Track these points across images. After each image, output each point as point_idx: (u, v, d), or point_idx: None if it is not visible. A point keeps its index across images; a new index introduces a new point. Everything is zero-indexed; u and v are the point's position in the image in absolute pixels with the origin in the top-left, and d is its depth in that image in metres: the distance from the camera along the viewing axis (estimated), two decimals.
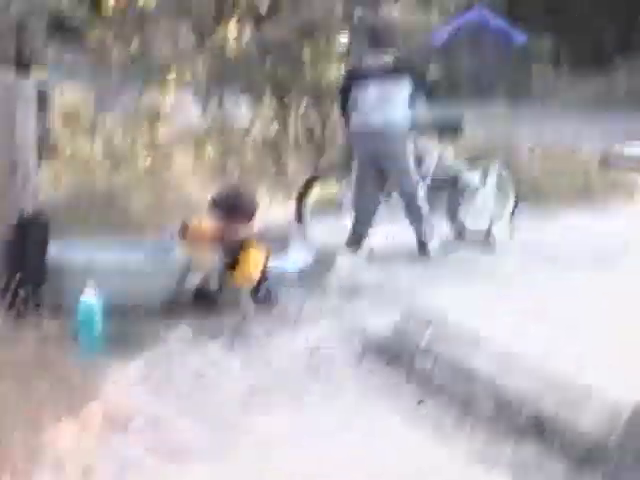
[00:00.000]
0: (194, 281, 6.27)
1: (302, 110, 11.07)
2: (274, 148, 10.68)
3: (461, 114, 8.73)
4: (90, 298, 5.48)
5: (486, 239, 8.47)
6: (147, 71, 11.28)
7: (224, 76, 11.53)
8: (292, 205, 8.53)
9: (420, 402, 4.94)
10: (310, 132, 10.93)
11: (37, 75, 10.94)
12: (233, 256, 6.28)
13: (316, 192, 8.49)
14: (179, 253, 6.44)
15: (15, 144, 5.98)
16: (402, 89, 7.99)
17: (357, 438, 4.49)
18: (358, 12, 11.10)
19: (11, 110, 5.96)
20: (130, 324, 5.73)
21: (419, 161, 8.28)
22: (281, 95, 11.23)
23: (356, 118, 8.05)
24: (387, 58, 8.03)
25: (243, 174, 10.06)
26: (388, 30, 8.39)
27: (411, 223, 8.12)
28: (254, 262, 6.29)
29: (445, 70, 14.23)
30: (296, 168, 10.21)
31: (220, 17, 11.56)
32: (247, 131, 11.16)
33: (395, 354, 5.53)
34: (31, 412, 4.28)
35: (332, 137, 10.83)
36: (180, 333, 5.78)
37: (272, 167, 10.40)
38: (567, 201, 9.89)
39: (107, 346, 5.44)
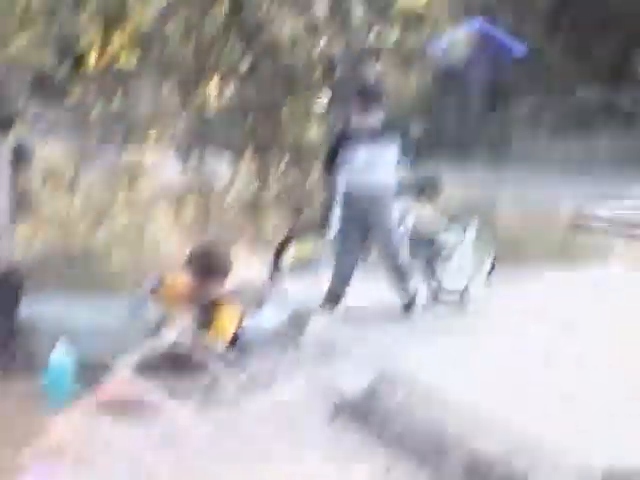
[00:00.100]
0: (167, 338, 6.23)
1: (282, 169, 11.09)
2: (253, 206, 10.69)
3: (439, 173, 8.76)
4: (61, 355, 5.44)
5: (463, 298, 8.48)
6: (128, 128, 11.30)
7: (205, 134, 11.56)
8: (269, 263, 8.52)
9: (388, 469, 4.90)
10: (289, 191, 10.94)
11: (18, 132, 10.97)
12: (207, 314, 6.25)
13: (292, 251, 8.49)
14: (153, 310, 6.41)
15: None
16: (391, 152, 8.10)
17: None
18: (338, 72, 11.15)
19: None
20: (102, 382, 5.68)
21: (398, 220, 8.32)
22: (261, 153, 11.26)
23: (345, 179, 8.08)
24: (376, 120, 8.08)
25: (222, 232, 10.05)
26: (375, 91, 8.46)
27: (393, 282, 8.14)
28: (228, 320, 6.26)
29: (429, 124, 14.37)
30: (275, 226, 10.20)
31: (201, 75, 11.61)
32: (227, 189, 11.16)
33: (367, 415, 5.49)
34: None
35: (311, 196, 10.84)
36: (151, 392, 5.73)
37: (251, 225, 10.39)
38: (543, 261, 9.91)
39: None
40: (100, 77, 11.36)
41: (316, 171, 10.95)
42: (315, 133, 11.34)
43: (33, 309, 6.15)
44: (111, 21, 11.86)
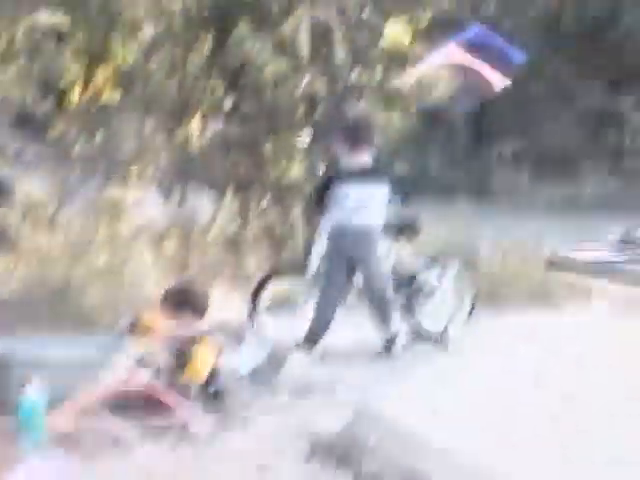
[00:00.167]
0: (143, 377, 6.18)
1: (263, 206, 11.09)
2: (234, 243, 10.67)
3: (417, 213, 8.76)
4: (34, 394, 5.40)
5: (442, 338, 8.46)
6: (110, 164, 11.29)
7: (187, 171, 11.55)
8: (247, 301, 8.50)
9: None
10: (270, 229, 10.93)
11: None
12: (183, 352, 6.23)
13: (271, 289, 8.47)
14: (129, 348, 6.37)
15: None
16: (381, 191, 8.14)
17: None
18: (321, 110, 11.17)
19: None
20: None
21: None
22: (243, 191, 11.26)
23: (335, 217, 8.07)
24: (367, 158, 8.12)
25: (202, 269, 10.03)
26: (365, 129, 8.48)
27: (376, 321, 8.13)
28: (205, 358, 6.25)
29: (412, 163, 14.45)
30: (255, 264, 10.18)
31: (184, 113, 11.62)
32: (208, 226, 11.14)
33: (343, 455, 5.46)
34: None
35: (291, 234, 10.84)
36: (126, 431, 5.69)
37: (231, 262, 10.36)
38: (524, 301, 9.92)
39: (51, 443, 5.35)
40: (83, 113, 11.33)
41: (297, 209, 10.96)
42: (297, 171, 11.34)
43: (7, 345, 6.09)
44: (94, 57, 11.88)
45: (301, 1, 11.17)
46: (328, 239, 8.17)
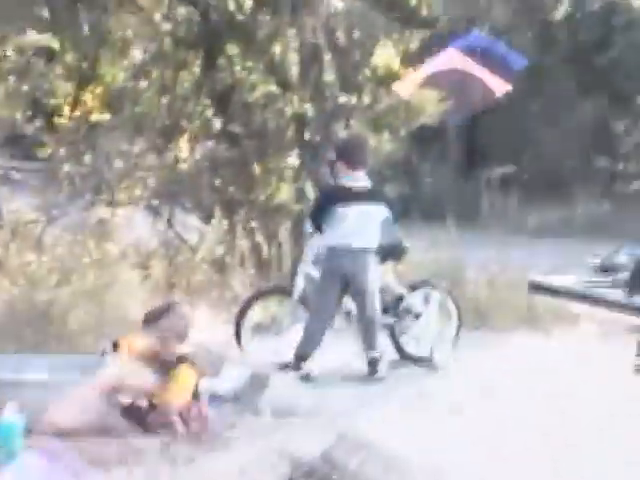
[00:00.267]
0: (124, 399, 6.17)
1: (251, 227, 11.08)
2: (221, 265, 10.65)
3: (402, 237, 8.73)
4: (10, 417, 5.35)
5: (428, 362, 8.43)
6: (98, 185, 11.28)
7: (175, 192, 11.55)
8: (232, 323, 8.47)
9: None
10: (257, 250, 10.92)
11: None
12: (165, 374, 6.20)
13: (256, 311, 8.45)
14: (111, 370, 6.33)
15: None
16: (379, 214, 8.14)
17: None
18: (310, 131, 11.17)
19: None
20: None
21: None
22: (231, 212, 11.25)
23: (333, 237, 8.04)
24: (364, 178, 8.12)
25: (187, 292, 10.00)
26: (362, 149, 8.48)
27: (363, 345, 8.10)
28: (186, 381, 6.22)
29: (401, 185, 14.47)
30: (242, 285, 10.16)
31: (173, 133, 11.63)
32: (196, 247, 11.13)
33: (324, 478, 5.42)
34: None
35: (279, 256, 10.83)
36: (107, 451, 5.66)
37: (218, 284, 10.34)
38: (511, 326, 9.90)
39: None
40: (72, 132, 11.32)
41: (285, 230, 10.95)
42: (286, 192, 11.34)
43: None
44: (84, 77, 11.89)
45: (290, 23, 11.18)
46: (324, 259, 8.13)
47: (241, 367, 7.18)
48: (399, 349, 8.57)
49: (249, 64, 11.46)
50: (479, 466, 5.68)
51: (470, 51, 9.11)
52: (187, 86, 11.83)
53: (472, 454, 5.94)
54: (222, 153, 11.49)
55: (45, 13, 11.51)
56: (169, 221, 11.47)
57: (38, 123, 11.50)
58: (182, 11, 11.58)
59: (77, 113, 11.30)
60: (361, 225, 8.02)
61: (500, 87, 9.04)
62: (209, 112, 11.59)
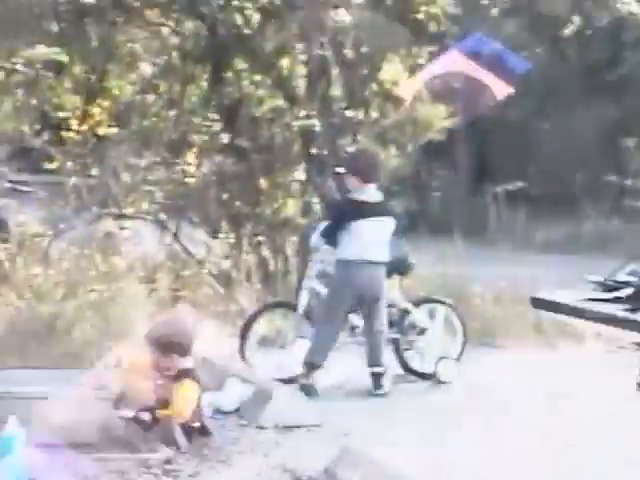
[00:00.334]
0: (128, 414, 6.15)
1: (257, 242, 11.08)
2: (227, 279, 10.65)
3: (406, 250, 8.72)
4: (11, 432, 5.34)
5: (431, 378, 8.41)
6: (105, 198, 11.31)
7: (182, 205, 11.56)
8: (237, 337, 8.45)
9: None
10: (263, 264, 10.92)
11: None
12: (168, 389, 6.19)
13: (261, 325, 8.44)
14: (114, 385, 6.34)
15: None
16: (389, 227, 8.15)
17: None
18: (316, 146, 11.18)
19: None
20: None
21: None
22: (237, 226, 11.26)
23: (348, 251, 8.02)
24: (377, 192, 8.12)
25: (193, 306, 9.98)
26: (375, 162, 8.51)
27: (369, 357, 8.08)
28: (189, 395, 6.19)
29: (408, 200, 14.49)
30: (248, 299, 10.15)
31: (180, 147, 11.64)
32: (201, 263, 11.13)
33: None
34: None
35: (285, 270, 10.83)
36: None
37: (224, 298, 10.33)
38: (517, 342, 9.87)
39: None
40: (79, 145, 11.35)
41: (292, 244, 10.96)
42: (292, 207, 11.35)
43: None
44: (92, 90, 11.93)
45: (298, 37, 11.20)
46: (337, 272, 8.12)
47: (245, 381, 7.16)
48: (403, 364, 8.54)
49: (257, 78, 11.46)
50: None
51: (471, 53, 9.06)
52: (194, 100, 11.84)
53: (476, 470, 5.90)
54: (229, 167, 11.49)
55: (54, 27, 11.56)
56: (176, 235, 11.46)
57: (46, 136, 11.55)
58: (190, 25, 11.58)
59: (85, 126, 11.32)
60: (375, 238, 8.04)
61: (501, 90, 9.00)
62: (216, 126, 11.58)
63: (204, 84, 11.84)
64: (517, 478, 5.86)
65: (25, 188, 11.76)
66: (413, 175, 15.08)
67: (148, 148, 11.72)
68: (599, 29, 23.97)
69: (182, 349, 6.30)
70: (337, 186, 10.60)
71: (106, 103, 11.66)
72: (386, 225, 8.17)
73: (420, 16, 12.00)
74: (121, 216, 11.33)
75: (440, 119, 11.49)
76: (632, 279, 4.81)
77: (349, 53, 11.53)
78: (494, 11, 23.49)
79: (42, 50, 11.24)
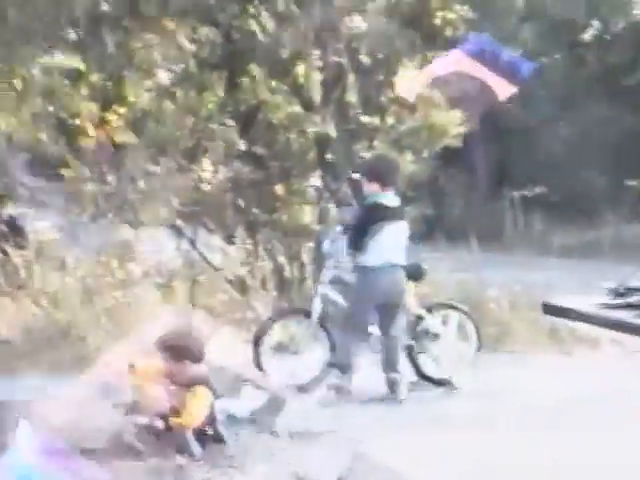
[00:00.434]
0: (141, 421, 6.16)
1: (272, 250, 11.08)
2: (243, 285, 10.65)
3: (421, 259, 8.71)
4: (24, 437, 5.36)
5: (446, 384, 8.38)
6: (121, 205, 11.33)
7: (198, 212, 11.57)
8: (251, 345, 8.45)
9: None
10: (279, 271, 10.92)
11: (13, 207, 11.03)
12: (181, 396, 6.20)
13: (276, 332, 8.43)
14: (126, 393, 6.35)
15: None
16: (406, 232, 8.22)
17: None
18: (330, 154, 11.17)
19: None
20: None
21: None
22: (253, 233, 11.26)
23: (373, 255, 8.03)
24: (396, 198, 8.18)
25: (209, 313, 9.99)
26: (394, 169, 8.53)
27: (387, 364, 8.07)
28: (202, 402, 6.21)
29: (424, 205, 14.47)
30: (263, 306, 10.14)
31: (196, 154, 11.65)
32: (217, 269, 11.13)
33: None
34: None
35: (301, 276, 10.83)
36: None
37: (239, 306, 10.32)
38: (532, 348, 9.83)
39: None
40: (96, 153, 11.37)
41: (307, 251, 10.95)
42: (308, 213, 11.34)
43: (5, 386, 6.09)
44: (108, 98, 11.95)
45: (313, 44, 11.20)
46: (360, 278, 8.12)
47: (258, 388, 7.16)
48: (417, 370, 8.52)
49: (273, 85, 11.46)
50: None
51: (475, 53, 9.00)
52: (211, 107, 11.84)
53: (491, 476, 5.88)
54: (245, 174, 11.49)
55: (71, 34, 11.59)
56: (192, 241, 11.47)
57: (63, 144, 11.57)
58: (205, 32, 11.59)
59: (101, 134, 11.34)
60: (396, 243, 8.11)
61: (505, 90, 8.95)
62: (232, 133, 11.58)
63: (220, 91, 11.83)
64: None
65: (42, 195, 11.81)
66: (430, 181, 15.01)
67: (164, 155, 11.72)
68: (617, 35, 23.87)
69: (194, 356, 6.31)
70: (353, 192, 10.60)
71: (123, 110, 11.66)
72: (404, 229, 8.22)
73: (436, 21, 11.98)
74: (137, 223, 11.33)
75: (455, 125, 11.45)
76: None
77: (365, 59, 11.51)
78: (512, 16, 23.41)
79: (59, 57, 11.28)
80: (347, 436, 6.71)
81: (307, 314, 8.34)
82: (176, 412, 6.17)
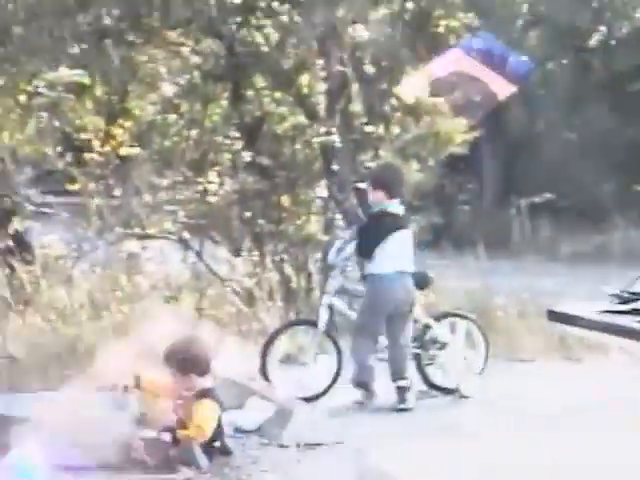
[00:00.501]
0: (147, 434, 6.16)
1: (279, 261, 11.07)
2: (250, 297, 10.64)
3: (426, 267, 8.69)
4: (27, 452, 5.36)
5: (454, 393, 8.35)
6: (127, 219, 11.34)
7: (204, 224, 11.57)
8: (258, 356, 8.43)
9: None
10: (286, 281, 10.91)
11: (19, 223, 11.02)
12: (188, 409, 6.19)
13: (283, 343, 8.41)
14: (133, 406, 6.34)
15: None
16: (411, 240, 8.21)
17: None
18: (336, 162, 11.16)
19: None
20: None
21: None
22: (260, 244, 11.26)
23: (384, 263, 8.02)
24: (401, 207, 8.18)
25: (217, 325, 9.98)
26: (400, 179, 8.53)
27: (395, 373, 8.05)
28: (208, 415, 6.19)
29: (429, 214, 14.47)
30: (270, 317, 10.12)
31: (202, 166, 11.67)
32: (224, 281, 11.12)
33: None
34: None
35: (308, 287, 10.82)
36: None
37: (246, 318, 10.31)
38: (541, 356, 9.80)
39: None
40: (102, 166, 11.39)
41: (314, 262, 10.95)
42: (314, 224, 11.34)
43: (8, 402, 6.08)
44: (113, 111, 11.99)
45: (317, 54, 11.21)
46: (371, 287, 8.11)
47: (266, 400, 7.15)
48: (425, 379, 8.48)
49: (277, 95, 11.48)
50: None
51: (474, 52, 8.98)
52: (216, 119, 11.87)
53: None
54: (251, 185, 11.50)
55: (75, 49, 11.62)
56: (199, 254, 11.47)
57: (68, 158, 11.60)
58: (209, 44, 11.62)
59: (107, 147, 11.36)
60: (404, 250, 8.10)
61: (505, 89, 8.92)
62: (238, 144, 11.59)
63: (225, 103, 11.85)
64: None
65: (48, 210, 11.82)
66: (437, 188, 15.00)
67: (170, 168, 11.75)
68: (622, 39, 23.83)
69: (200, 369, 6.29)
70: (358, 201, 10.61)
71: (128, 123, 11.69)
72: (410, 238, 8.22)
73: (440, 30, 11.97)
74: (144, 236, 11.34)
75: (461, 133, 11.45)
76: None
77: (368, 68, 11.51)
78: (517, 22, 23.39)
79: (64, 72, 11.30)
80: (355, 446, 6.69)
81: (314, 324, 8.32)
82: (183, 425, 6.16)
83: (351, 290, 8.43)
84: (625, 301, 4.54)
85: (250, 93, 11.51)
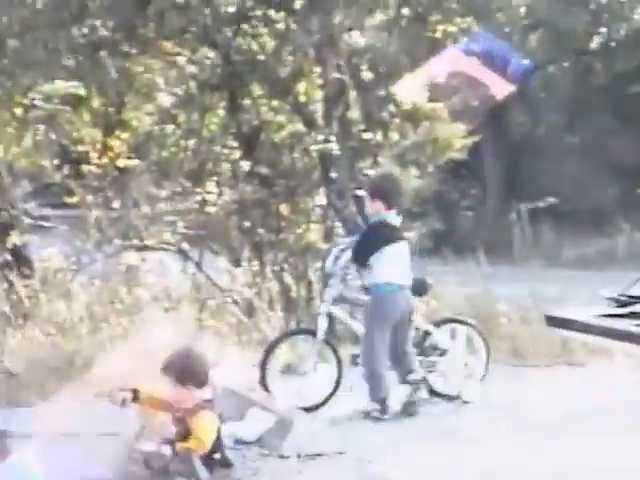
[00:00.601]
0: (146, 447, 6.09)
1: (279, 270, 11.03)
2: (249, 308, 10.59)
3: (425, 274, 8.64)
4: (23, 467, 5.31)
5: (455, 400, 8.30)
6: (126, 231, 11.31)
7: (203, 236, 11.53)
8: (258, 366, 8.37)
9: None
10: (286, 291, 10.86)
11: (17, 237, 10.99)
12: (187, 421, 6.13)
13: (282, 353, 8.36)
14: (131, 419, 6.29)
15: None
16: (408, 251, 8.16)
17: None
18: (333, 172, 11.13)
19: None
20: None
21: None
22: (259, 254, 11.22)
23: (383, 273, 7.97)
24: (398, 218, 8.13)
25: (217, 335, 9.94)
26: (399, 190, 8.45)
27: (404, 373, 8.03)
28: (207, 427, 6.12)
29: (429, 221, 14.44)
30: (270, 329, 10.07)
31: (200, 177, 11.64)
32: (224, 291, 11.08)
33: None
34: None
35: (308, 296, 10.78)
36: None
37: (246, 328, 10.26)
38: (544, 361, 9.75)
39: None
40: (100, 178, 11.36)
41: (314, 271, 10.91)
42: (314, 233, 11.30)
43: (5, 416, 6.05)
44: (111, 122, 11.97)
45: (313, 61, 11.18)
46: (374, 296, 8.03)
47: (266, 410, 7.10)
48: (427, 385, 8.42)
49: (274, 104, 11.45)
50: None
51: (471, 52, 8.93)
52: (213, 129, 11.84)
53: None
54: (250, 195, 11.46)
55: (70, 61, 11.60)
56: (199, 264, 11.43)
57: (66, 170, 11.57)
58: (205, 53, 11.60)
59: (104, 159, 11.33)
60: (402, 261, 8.05)
61: (502, 89, 8.86)
62: (236, 154, 11.57)
63: (222, 112, 11.83)
64: None
65: (47, 223, 11.79)
66: (438, 194, 14.96)
67: (168, 178, 11.73)
68: (621, 42, 23.81)
69: (199, 380, 6.22)
70: (358, 209, 10.56)
71: (125, 135, 11.66)
72: (406, 248, 8.17)
73: (437, 35, 11.94)
74: (143, 248, 11.30)
75: (460, 138, 11.41)
76: None
77: (366, 75, 11.48)
78: (516, 26, 23.37)
79: (60, 84, 11.27)
80: (357, 455, 6.64)
81: (313, 334, 8.26)
82: (183, 437, 6.09)
83: (351, 299, 8.38)
84: (623, 304, 4.48)
85: (247, 102, 11.49)
